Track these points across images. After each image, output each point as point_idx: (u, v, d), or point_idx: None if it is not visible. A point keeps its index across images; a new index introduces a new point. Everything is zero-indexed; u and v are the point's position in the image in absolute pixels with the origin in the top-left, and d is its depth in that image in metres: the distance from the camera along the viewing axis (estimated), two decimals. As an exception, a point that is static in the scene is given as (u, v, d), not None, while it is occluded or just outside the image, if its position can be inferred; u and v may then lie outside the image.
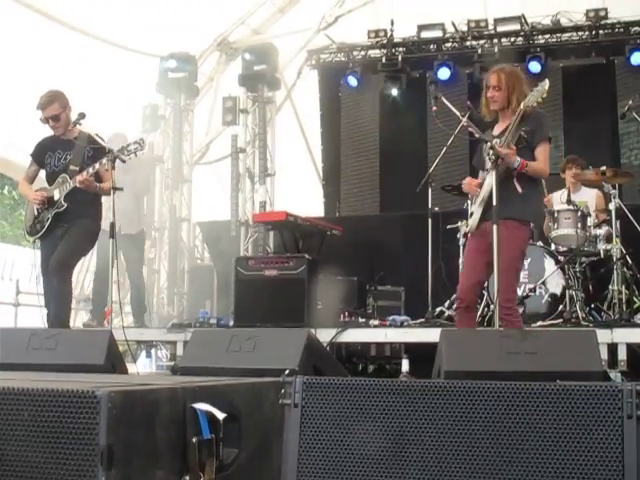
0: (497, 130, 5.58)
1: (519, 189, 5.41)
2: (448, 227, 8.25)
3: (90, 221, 6.51)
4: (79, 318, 10.91)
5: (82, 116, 6.56)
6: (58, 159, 6.52)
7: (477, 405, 2.49)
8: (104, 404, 2.20)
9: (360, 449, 2.55)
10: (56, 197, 6.44)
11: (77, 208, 6.37)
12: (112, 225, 6.18)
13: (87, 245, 6.69)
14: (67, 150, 6.50)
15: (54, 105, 6.50)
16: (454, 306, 5.76)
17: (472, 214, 5.60)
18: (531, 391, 2.48)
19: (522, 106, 5.31)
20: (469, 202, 6.04)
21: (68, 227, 6.42)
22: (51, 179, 6.58)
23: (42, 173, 6.84)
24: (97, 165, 6.25)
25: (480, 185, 5.53)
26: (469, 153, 9.22)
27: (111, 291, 6.23)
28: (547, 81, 5.37)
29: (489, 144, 5.19)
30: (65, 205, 6.39)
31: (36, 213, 6.60)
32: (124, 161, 6.28)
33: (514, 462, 2.43)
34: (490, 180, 5.32)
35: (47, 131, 6.75)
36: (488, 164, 5.37)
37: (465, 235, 6.57)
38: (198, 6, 11.00)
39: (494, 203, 5.18)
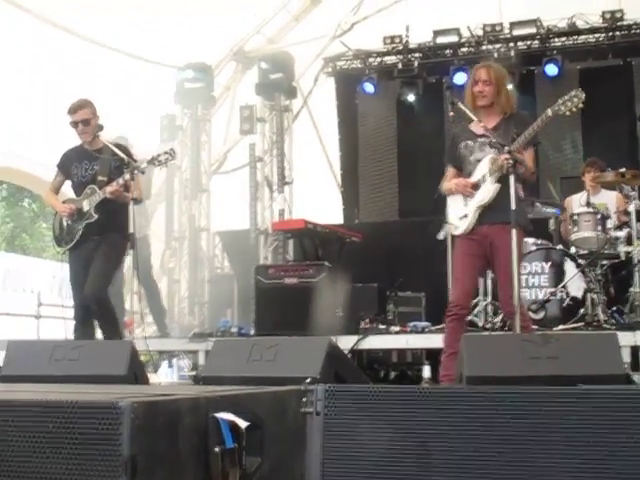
0: (479, 129, 5.48)
1: (521, 194, 5.42)
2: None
3: (119, 237, 6.42)
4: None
5: (100, 128, 6.57)
6: (85, 170, 6.49)
7: (499, 411, 2.48)
8: (127, 415, 2.20)
9: (383, 456, 2.55)
10: (85, 208, 6.41)
11: (107, 219, 6.34)
12: (132, 236, 6.19)
13: (118, 264, 6.71)
14: (93, 161, 6.48)
15: (85, 110, 6.50)
16: (447, 313, 5.46)
17: (465, 216, 5.45)
18: (553, 396, 2.47)
19: (550, 112, 5.23)
20: (451, 203, 5.66)
21: (99, 241, 6.38)
22: (79, 190, 6.55)
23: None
24: (127, 176, 6.21)
25: (474, 186, 5.43)
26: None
27: (132, 301, 6.24)
28: (581, 91, 5.27)
29: (506, 149, 5.14)
30: (96, 216, 6.36)
31: (65, 224, 6.58)
32: (143, 172, 6.30)
33: (537, 467, 2.42)
34: (493, 185, 5.30)
35: (70, 144, 6.75)
36: (484, 166, 5.35)
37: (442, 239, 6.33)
38: (214, 16, 11.06)
39: (512, 207, 5.15)
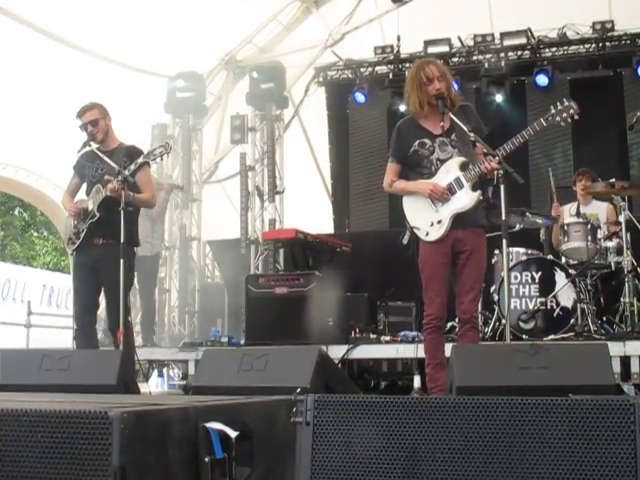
0: (435, 127, 5.29)
1: (490, 197, 5.38)
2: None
3: (125, 245, 6.16)
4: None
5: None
6: (95, 170, 6.43)
7: (489, 421, 2.48)
8: (116, 425, 2.20)
9: (372, 466, 2.54)
10: (90, 207, 6.36)
11: (110, 219, 6.17)
12: (122, 245, 6.09)
13: (130, 280, 6.44)
14: (104, 161, 6.37)
15: (92, 111, 6.44)
16: (426, 326, 5.29)
17: (440, 222, 5.23)
18: (543, 406, 2.47)
19: (544, 122, 5.14)
20: (413, 205, 5.43)
21: (103, 252, 6.27)
22: (89, 190, 6.49)
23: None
24: (126, 172, 6.09)
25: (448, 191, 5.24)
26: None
27: (122, 312, 6.20)
28: (575, 102, 5.20)
29: (497, 158, 5.10)
30: (98, 215, 6.28)
31: (73, 225, 6.52)
32: (133, 182, 6.22)
33: (527, 477, 2.42)
34: (474, 192, 5.20)
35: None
36: (454, 169, 5.22)
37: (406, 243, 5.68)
38: (205, 26, 11.08)
39: (503, 217, 5.16)
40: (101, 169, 6.41)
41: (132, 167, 6.16)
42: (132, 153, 6.40)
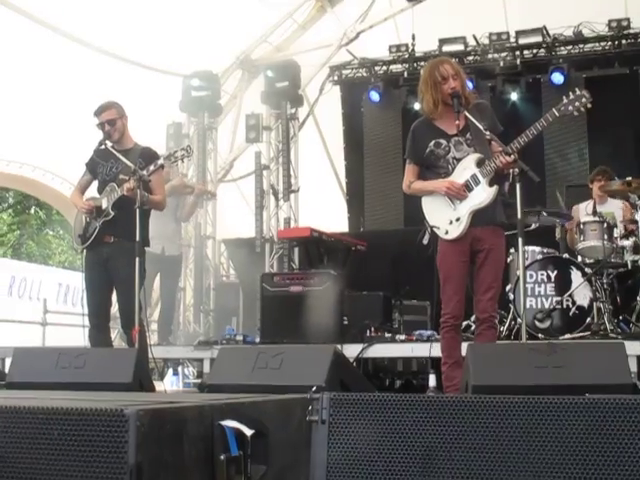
0: (450, 127, 5.28)
1: (507, 193, 5.37)
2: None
3: (136, 244, 6.16)
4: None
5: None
6: (109, 169, 6.41)
7: (505, 420, 2.47)
8: (132, 422, 2.20)
9: (388, 465, 2.54)
10: (104, 206, 6.32)
11: (123, 219, 6.18)
12: (137, 244, 6.05)
13: (141, 279, 6.47)
14: (119, 160, 6.36)
15: (110, 110, 6.43)
16: (443, 325, 5.26)
17: (458, 219, 5.22)
18: (559, 405, 2.46)
19: (557, 112, 5.10)
20: (431, 205, 5.41)
21: (115, 250, 6.27)
22: (101, 188, 6.47)
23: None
24: (144, 172, 6.07)
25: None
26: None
27: (137, 309, 6.21)
28: (587, 91, 5.17)
29: (512, 157, 5.07)
30: (112, 214, 6.26)
31: (84, 222, 6.50)
32: (149, 181, 6.23)
33: (543, 477, 2.41)
34: (491, 188, 5.18)
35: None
36: (471, 166, 5.20)
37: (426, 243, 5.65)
38: (220, 25, 11.09)
39: (518, 216, 5.14)
40: (115, 168, 6.39)
41: (152, 168, 6.14)
42: (148, 154, 6.41)
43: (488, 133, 5.17)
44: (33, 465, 2.30)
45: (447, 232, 5.27)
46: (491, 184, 5.21)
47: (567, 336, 7.04)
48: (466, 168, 5.25)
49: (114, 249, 6.34)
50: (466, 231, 5.20)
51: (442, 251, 5.32)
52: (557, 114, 5.15)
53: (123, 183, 6.21)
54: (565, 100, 5.16)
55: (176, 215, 9.22)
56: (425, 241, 5.48)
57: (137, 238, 6.04)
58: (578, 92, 5.17)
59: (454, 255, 5.24)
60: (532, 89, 11.35)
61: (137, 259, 5.97)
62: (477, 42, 11.42)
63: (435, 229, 5.35)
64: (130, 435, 2.20)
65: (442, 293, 5.30)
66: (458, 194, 5.21)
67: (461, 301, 5.24)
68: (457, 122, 5.17)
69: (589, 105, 5.15)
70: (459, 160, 5.27)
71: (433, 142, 5.31)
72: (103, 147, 6.46)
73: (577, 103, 5.13)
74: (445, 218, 5.29)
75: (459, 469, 2.47)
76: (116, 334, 9.39)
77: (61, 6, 9.99)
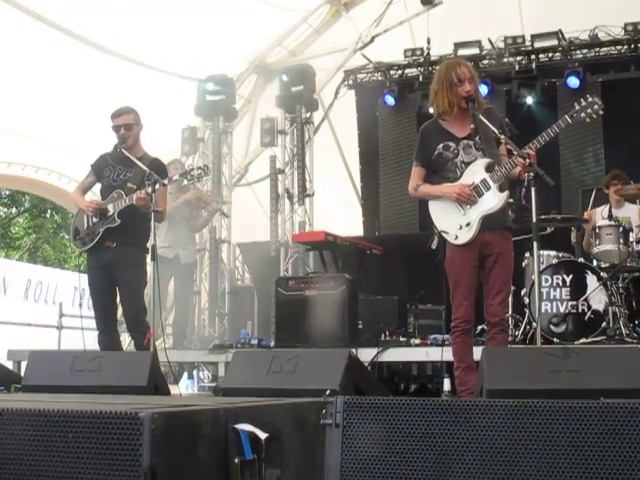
0: (460, 130, 5.29)
1: (522, 199, 5.36)
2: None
3: (137, 250, 6.39)
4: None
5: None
6: (117, 174, 6.44)
7: (520, 423, 2.46)
8: (147, 425, 2.21)
9: (402, 469, 2.54)
10: (110, 211, 6.34)
11: (128, 227, 6.28)
12: (153, 248, 6.12)
13: (144, 281, 6.55)
14: (128, 167, 6.41)
15: (129, 115, 6.46)
16: (454, 329, 5.33)
17: (468, 224, 5.18)
18: (574, 409, 2.45)
19: (570, 120, 5.11)
20: (440, 209, 5.38)
21: (117, 255, 6.33)
22: (106, 193, 6.47)
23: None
24: (157, 186, 6.09)
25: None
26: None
27: (153, 313, 6.25)
28: (599, 98, 5.17)
29: (528, 161, 5.05)
30: (118, 221, 6.30)
31: (85, 224, 6.51)
32: (165, 184, 6.28)
33: (558, 481, 2.40)
34: (502, 193, 5.16)
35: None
36: (480, 170, 5.18)
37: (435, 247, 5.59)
38: (235, 29, 11.12)
39: (534, 220, 5.13)
40: (124, 175, 6.44)
41: (166, 182, 6.22)
42: (156, 166, 6.42)
43: (502, 137, 5.16)
44: (48, 467, 2.31)
45: (457, 237, 5.25)
46: (502, 189, 5.20)
47: (582, 340, 7.01)
48: (476, 172, 5.22)
49: (117, 254, 6.38)
50: (476, 236, 5.18)
51: (451, 256, 5.30)
52: (570, 121, 5.16)
53: (131, 192, 6.27)
54: (577, 107, 5.17)
55: (189, 224, 9.38)
56: (433, 246, 5.45)
57: (153, 242, 6.13)
58: (590, 99, 5.18)
59: (462, 260, 5.22)
60: (547, 93, 11.31)
61: (154, 263, 6.02)
62: (492, 46, 11.40)
63: (444, 234, 5.32)
64: (145, 438, 2.21)
65: (452, 298, 5.29)
66: (469, 199, 5.19)
67: (471, 305, 5.23)
68: (472, 125, 5.16)
69: (601, 112, 5.15)
70: (467, 164, 5.26)
71: (442, 145, 5.30)
72: (118, 150, 6.48)
73: (589, 110, 5.14)
74: (454, 223, 5.27)
75: (473, 473, 2.47)
76: (129, 341, 9.45)
77: (77, 10, 10.02)
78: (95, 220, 6.43)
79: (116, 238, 6.36)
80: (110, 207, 6.36)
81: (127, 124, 6.44)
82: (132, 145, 6.48)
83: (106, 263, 6.39)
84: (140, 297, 6.44)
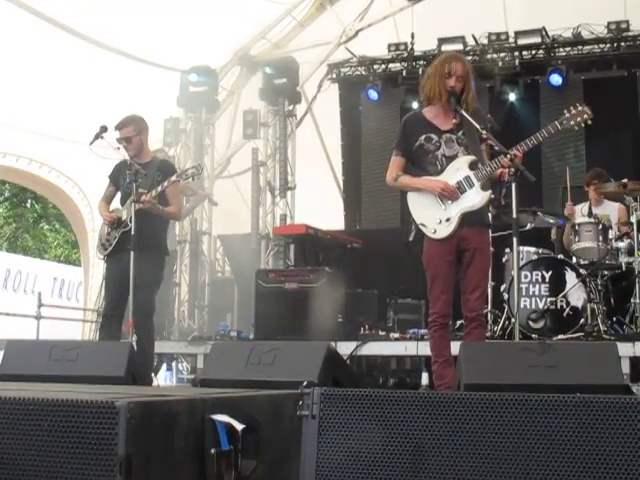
0: (444, 123, 5.30)
1: (502, 197, 5.41)
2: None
3: (155, 253, 6.72)
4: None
5: (104, 129, 6.65)
6: (130, 182, 6.67)
7: (496, 417, 2.47)
8: (123, 414, 2.20)
9: (378, 461, 2.54)
10: (123, 218, 6.70)
11: (141, 230, 6.47)
12: (133, 237, 6.40)
13: (159, 280, 6.84)
14: (139, 174, 6.71)
15: (128, 127, 6.75)
16: (431, 324, 5.31)
17: (448, 220, 5.18)
18: (550, 403, 2.46)
19: (559, 126, 5.18)
20: (419, 202, 5.34)
21: (135, 257, 6.46)
22: (123, 200, 6.84)
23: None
24: (159, 188, 6.52)
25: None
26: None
27: (131, 304, 6.28)
28: (589, 107, 5.27)
29: (508, 157, 5.08)
30: (130, 225, 6.54)
31: (106, 232, 6.86)
32: (172, 182, 6.59)
33: (532, 474, 2.41)
34: (485, 192, 5.21)
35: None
36: (463, 167, 5.20)
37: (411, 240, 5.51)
38: (219, 20, 11.07)
39: (514, 216, 5.16)
40: (135, 181, 6.66)
41: (165, 184, 6.56)
42: (165, 168, 6.87)
43: (484, 132, 5.18)
44: (23, 456, 2.30)
45: (435, 231, 5.25)
46: (485, 188, 5.23)
47: (560, 336, 7.06)
48: (459, 169, 5.24)
49: (133, 258, 6.55)
50: (455, 230, 5.20)
51: (428, 250, 5.30)
52: (559, 127, 5.23)
53: (141, 197, 6.57)
54: (567, 114, 5.25)
55: None
56: (411, 238, 5.43)
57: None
58: (580, 107, 5.25)
59: (440, 254, 5.23)
60: (530, 90, 11.34)
61: (132, 253, 6.27)
62: (476, 42, 11.41)
63: (422, 227, 5.31)
64: (120, 427, 2.20)
65: (429, 293, 5.31)
66: (452, 196, 5.19)
67: (448, 300, 5.24)
68: (454, 120, 5.19)
69: (589, 122, 5.22)
70: (448, 158, 5.27)
71: (424, 136, 5.30)
72: (123, 159, 6.85)
73: (579, 118, 5.24)
74: (434, 217, 5.26)
75: (449, 465, 2.47)
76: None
77: (60, 1, 9.97)
78: (113, 228, 6.80)
79: (132, 242, 6.53)
80: (124, 213, 6.74)
81: (126, 137, 6.76)
82: (137, 154, 6.81)
83: (124, 264, 6.55)
84: (149, 299, 6.64)
